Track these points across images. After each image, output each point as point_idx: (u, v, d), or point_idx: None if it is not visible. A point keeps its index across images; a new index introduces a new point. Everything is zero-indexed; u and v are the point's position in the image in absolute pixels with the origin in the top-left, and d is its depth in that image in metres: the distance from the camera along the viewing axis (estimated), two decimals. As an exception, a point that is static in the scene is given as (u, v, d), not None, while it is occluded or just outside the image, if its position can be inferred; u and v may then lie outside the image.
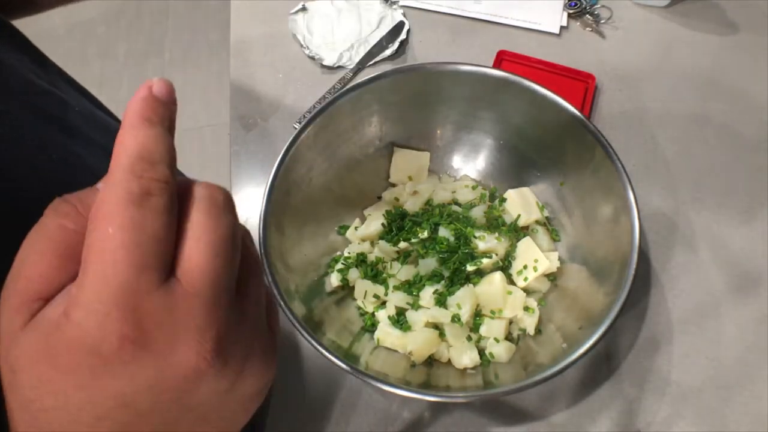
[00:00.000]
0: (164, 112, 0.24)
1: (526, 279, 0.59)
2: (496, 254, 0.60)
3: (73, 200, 0.24)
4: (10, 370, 0.23)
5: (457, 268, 0.59)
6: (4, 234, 0.35)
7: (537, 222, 0.63)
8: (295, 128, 0.60)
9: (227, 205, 0.24)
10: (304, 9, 0.80)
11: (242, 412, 0.26)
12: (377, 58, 0.77)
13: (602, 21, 0.80)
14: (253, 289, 0.26)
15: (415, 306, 0.58)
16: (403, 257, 0.61)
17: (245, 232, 0.26)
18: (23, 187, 0.37)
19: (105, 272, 0.21)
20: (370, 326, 0.59)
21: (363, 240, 0.63)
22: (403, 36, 0.78)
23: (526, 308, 0.59)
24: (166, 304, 0.22)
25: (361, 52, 0.77)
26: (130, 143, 0.23)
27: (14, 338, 0.22)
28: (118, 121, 0.54)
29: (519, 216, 0.62)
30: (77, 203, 0.23)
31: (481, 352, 0.57)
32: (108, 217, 0.21)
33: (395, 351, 0.57)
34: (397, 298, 0.58)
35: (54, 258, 0.23)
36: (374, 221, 0.63)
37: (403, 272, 0.60)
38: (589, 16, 0.80)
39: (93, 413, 0.22)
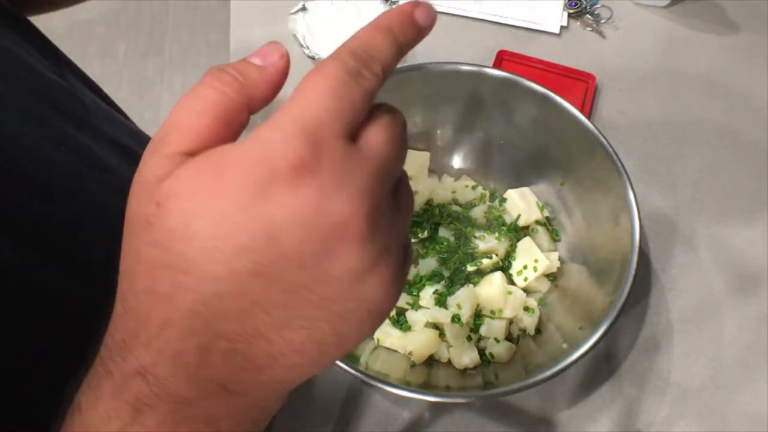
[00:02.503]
0: (408, 34, 0.26)
1: (526, 279, 0.59)
2: (496, 254, 0.60)
3: (233, 71, 0.25)
4: (155, 203, 0.22)
5: (457, 268, 0.59)
6: (21, 223, 0.36)
7: (537, 222, 0.63)
8: (295, 128, 0.60)
9: (403, 119, 0.26)
10: (304, 9, 0.80)
11: (357, 327, 0.24)
12: (377, 58, 0.77)
13: (602, 21, 0.80)
14: (404, 198, 0.26)
15: (415, 306, 0.58)
16: (403, 257, 0.61)
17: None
18: (35, 177, 0.37)
19: (305, 105, 0.22)
20: (370, 326, 0.59)
21: (363, 240, 0.63)
22: (403, 36, 0.78)
23: (526, 308, 0.58)
24: (343, 153, 0.22)
25: (361, 52, 0.77)
26: (364, 37, 0.25)
27: (165, 175, 0.23)
28: (125, 116, 0.54)
29: (519, 216, 0.62)
30: (238, 75, 0.25)
31: (481, 352, 0.57)
32: (323, 71, 0.23)
33: (395, 351, 0.57)
34: (397, 298, 0.58)
35: (212, 121, 0.23)
36: (374, 221, 0.63)
37: (403, 272, 0.60)
38: (589, 16, 0.80)
39: (239, 241, 0.22)
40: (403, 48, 0.25)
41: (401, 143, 0.25)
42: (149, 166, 0.23)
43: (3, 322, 0.33)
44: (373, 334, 0.26)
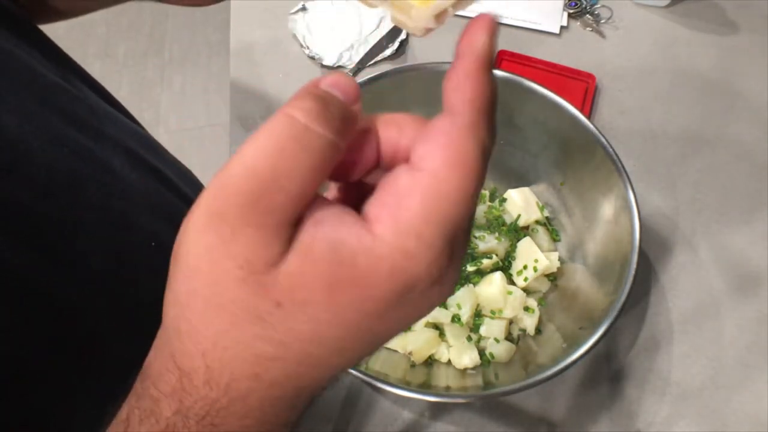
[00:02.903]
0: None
1: (526, 279, 0.59)
2: (496, 254, 0.60)
3: (336, 114, 0.21)
4: (273, 302, 0.20)
5: (457, 268, 0.59)
6: (22, 224, 0.35)
7: (537, 222, 0.63)
8: (295, 128, 0.60)
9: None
10: (304, 9, 0.80)
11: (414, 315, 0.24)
12: (377, 58, 0.77)
13: (602, 21, 0.80)
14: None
15: (415, 306, 0.58)
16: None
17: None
18: (37, 178, 0.37)
19: (447, 213, 0.21)
20: (370, 326, 0.59)
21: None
22: (403, 36, 0.78)
23: (526, 308, 0.58)
24: (450, 254, 0.22)
25: (361, 52, 0.77)
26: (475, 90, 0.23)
27: (276, 260, 0.20)
28: (130, 118, 0.54)
29: (519, 216, 0.62)
30: (342, 117, 0.22)
31: (481, 352, 0.57)
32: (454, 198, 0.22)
33: (395, 351, 0.57)
34: (397, 298, 0.58)
35: (321, 178, 0.20)
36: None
37: (403, 272, 0.60)
38: (589, 16, 0.80)
39: (365, 349, 0.22)
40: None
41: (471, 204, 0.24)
42: (247, 245, 0.20)
43: (2, 322, 0.33)
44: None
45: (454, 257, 0.22)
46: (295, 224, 0.21)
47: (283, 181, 0.20)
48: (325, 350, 0.22)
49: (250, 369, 0.21)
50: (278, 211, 0.20)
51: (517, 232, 0.62)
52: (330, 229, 0.21)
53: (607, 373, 0.60)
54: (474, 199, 0.22)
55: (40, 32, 0.48)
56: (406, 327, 0.23)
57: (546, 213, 0.64)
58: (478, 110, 0.23)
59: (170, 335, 0.22)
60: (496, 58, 0.76)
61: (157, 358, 0.23)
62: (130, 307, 0.41)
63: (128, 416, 0.24)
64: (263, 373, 0.21)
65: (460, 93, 0.23)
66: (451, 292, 0.23)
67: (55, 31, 0.50)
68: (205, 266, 0.21)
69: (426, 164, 0.21)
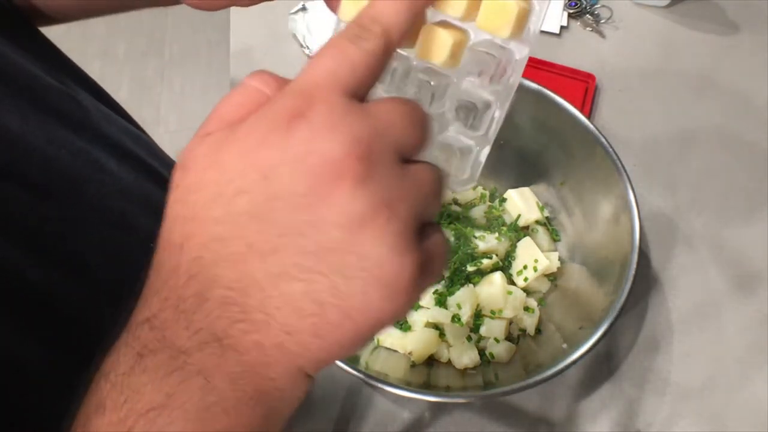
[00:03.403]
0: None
1: (526, 279, 0.59)
2: (496, 254, 0.60)
3: (275, 75, 0.26)
4: (181, 168, 0.25)
5: (457, 269, 0.59)
6: (20, 224, 0.36)
7: (537, 222, 0.63)
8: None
9: (419, 107, 0.26)
10: (304, 9, 0.80)
11: (362, 292, 0.23)
12: (377, 58, 0.77)
13: (602, 21, 0.80)
14: (421, 172, 0.25)
15: (415, 306, 0.58)
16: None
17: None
18: (36, 179, 0.37)
19: (306, 71, 0.24)
20: (370, 326, 0.59)
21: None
22: (403, 36, 0.78)
23: (526, 308, 0.59)
24: (340, 105, 0.23)
25: (361, 52, 0.77)
26: (369, 5, 0.26)
27: (196, 143, 0.25)
28: (127, 118, 0.54)
29: (519, 216, 0.62)
30: (278, 78, 0.26)
31: (481, 352, 0.57)
32: (327, 42, 0.25)
33: (395, 351, 0.57)
34: (397, 298, 0.58)
35: (246, 112, 0.25)
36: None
37: (403, 272, 0.59)
38: (589, 16, 0.80)
39: (237, 185, 0.23)
40: (411, 7, 0.26)
41: (412, 119, 0.25)
42: (187, 146, 0.25)
43: (0, 321, 0.33)
44: (391, 314, 0.23)
45: (316, 103, 0.23)
46: None
47: (217, 112, 0.26)
48: (205, 198, 0.24)
49: (164, 235, 0.25)
50: (208, 127, 0.26)
51: (517, 232, 0.62)
52: None
53: (607, 373, 0.60)
54: (332, 62, 0.24)
55: (38, 33, 0.48)
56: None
57: (546, 213, 0.64)
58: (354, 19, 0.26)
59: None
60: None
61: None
62: (129, 307, 0.41)
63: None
64: (169, 235, 0.25)
65: None
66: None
67: (55, 31, 0.50)
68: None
69: None
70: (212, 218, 0.23)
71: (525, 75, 0.60)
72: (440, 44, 0.28)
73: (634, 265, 0.52)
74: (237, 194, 0.23)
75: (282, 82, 0.26)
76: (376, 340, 0.57)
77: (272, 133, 0.23)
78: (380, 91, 0.31)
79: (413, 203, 0.24)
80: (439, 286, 0.58)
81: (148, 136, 0.56)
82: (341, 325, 0.23)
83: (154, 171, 0.49)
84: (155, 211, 0.45)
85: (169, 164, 0.55)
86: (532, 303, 0.59)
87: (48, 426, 0.35)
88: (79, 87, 0.49)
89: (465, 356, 0.56)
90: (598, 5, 0.81)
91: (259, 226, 0.23)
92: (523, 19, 0.29)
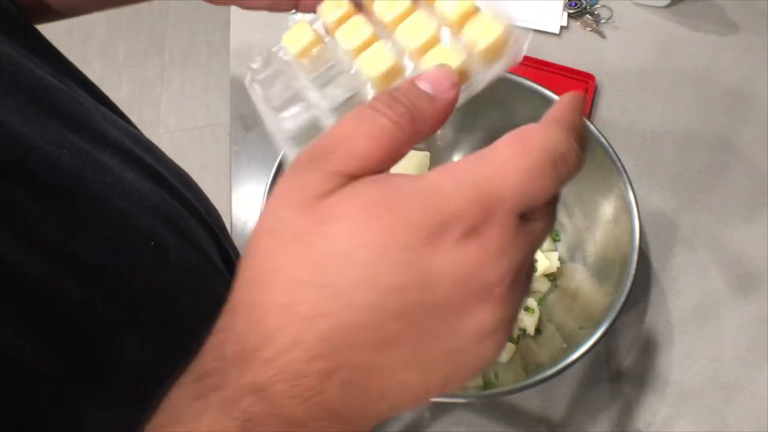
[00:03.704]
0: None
1: (526, 279, 0.59)
2: (496, 254, 0.60)
3: (406, 102, 0.25)
4: (316, 222, 0.23)
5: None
6: (21, 223, 0.36)
7: (537, 222, 0.63)
8: (295, 128, 0.60)
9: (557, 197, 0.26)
10: (304, 9, 0.80)
11: (461, 379, 0.25)
12: (377, 58, 0.77)
13: (602, 21, 0.80)
14: (541, 229, 0.25)
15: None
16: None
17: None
18: (38, 178, 0.37)
19: (495, 174, 0.23)
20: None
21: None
22: (403, 36, 0.78)
23: (526, 308, 0.59)
24: (513, 230, 0.23)
25: (361, 52, 0.77)
26: (579, 125, 0.25)
27: (327, 194, 0.23)
28: (125, 119, 0.54)
29: (519, 216, 0.62)
30: (411, 107, 0.25)
31: (481, 352, 0.57)
32: (529, 144, 0.24)
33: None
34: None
35: (378, 150, 0.24)
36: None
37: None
38: (589, 16, 0.80)
39: (395, 281, 0.22)
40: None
41: (554, 221, 0.26)
42: (309, 179, 0.24)
43: (1, 320, 0.33)
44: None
45: (494, 224, 0.23)
46: (353, 179, 0.24)
47: (343, 143, 0.24)
48: (354, 281, 0.22)
49: (285, 296, 0.23)
50: (336, 162, 0.24)
51: (517, 232, 0.62)
52: (381, 176, 0.24)
53: (607, 373, 0.60)
54: (527, 185, 0.23)
55: (37, 33, 0.48)
56: (439, 289, 0.23)
57: (546, 213, 0.64)
58: (560, 119, 0.25)
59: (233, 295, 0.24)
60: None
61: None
62: (129, 307, 0.41)
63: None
64: (297, 303, 0.23)
65: (552, 109, 0.26)
66: (511, 296, 0.23)
67: (55, 31, 0.50)
68: (273, 198, 0.24)
69: (494, 144, 0.24)
70: (356, 305, 0.22)
71: (525, 75, 0.60)
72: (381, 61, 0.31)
73: (634, 265, 0.52)
74: (391, 291, 0.22)
75: (417, 113, 0.25)
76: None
77: (443, 241, 0.22)
78: (304, 80, 0.34)
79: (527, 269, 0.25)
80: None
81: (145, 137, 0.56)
82: (427, 397, 0.25)
83: (154, 171, 0.50)
84: (156, 211, 0.45)
85: (168, 164, 0.55)
86: (532, 303, 0.59)
87: (49, 428, 0.35)
88: (80, 88, 0.49)
89: (465, 356, 0.56)
90: (598, 5, 0.81)
91: (402, 326, 0.23)
92: (463, 74, 0.30)
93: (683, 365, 0.60)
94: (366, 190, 0.23)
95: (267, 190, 0.55)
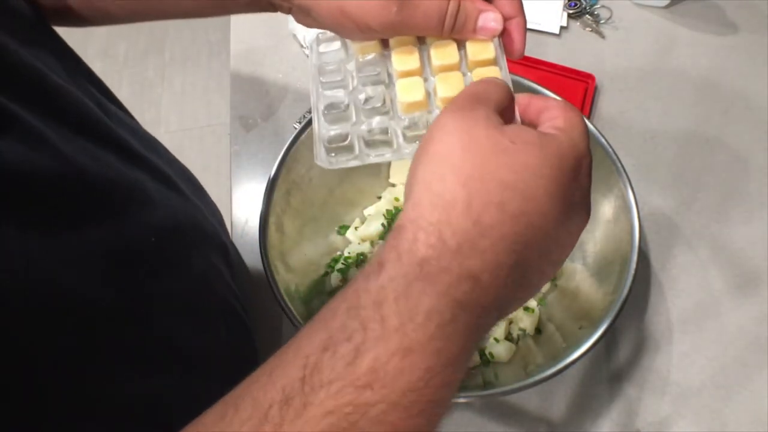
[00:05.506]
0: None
1: (526, 279, 0.59)
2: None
3: (531, 100, 0.37)
4: (508, 140, 0.30)
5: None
6: (45, 231, 0.36)
7: (537, 222, 0.63)
8: (295, 128, 0.60)
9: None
10: (304, 9, 0.80)
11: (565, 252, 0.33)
12: (377, 58, 0.77)
13: (602, 21, 0.80)
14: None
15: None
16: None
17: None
18: (52, 181, 0.38)
19: (581, 128, 0.35)
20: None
21: (363, 240, 0.63)
22: (403, 36, 0.78)
23: (526, 308, 0.59)
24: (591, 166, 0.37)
25: (361, 52, 0.77)
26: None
27: (502, 123, 0.31)
28: (131, 117, 0.54)
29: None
30: (532, 100, 0.37)
31: (481, 352, 0.57)
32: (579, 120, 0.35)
33: (395, 351, 0.57)
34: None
35: (506, 101, 0.35)
36: (374, 221, 0.63)
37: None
38: (589, 16, 0.80)
39: (558, 188, 0.30)
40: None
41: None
42: (484, 112, 0.31)
43: (1, 319, 0.34)
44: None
45: (587, 156, 0.35)
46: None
47: (486, 94, 0.33)
48: (543, 187, 0.29)
49: (498, 196, 0.29)
50: (491, 103, 0.33)
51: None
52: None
53: (607, 373, 0.60)
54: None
55: (53, 32, 0.48)
56: (575, 211, 0.33)
57: (546, 213, 0.64)
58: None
59: (409, 204, 0.30)
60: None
61: (392, 236, 0.30)
62: (129, 301, 0.41)
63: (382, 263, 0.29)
64: (507, 202, 0.29)
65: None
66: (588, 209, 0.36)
67: (56, 31, 0.50)
68: (458, 125, 0.30)
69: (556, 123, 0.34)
70: (542, 210, 0.29)
71: (525, 75, 0.60)
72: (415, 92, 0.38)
73: (633, 265, 0.52)
74: (563, 203, 0.31)
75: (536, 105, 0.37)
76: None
77: (579, 170, 0.33)
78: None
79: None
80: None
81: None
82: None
83: (157, 169, 0.50)
84: (158, 207, 0.46)
85: (171, 161, 0.55)
86: (532, 303, 0.59)
87: (50, 427, 0.35)
88: (90, 86, 0.49)
89: (465, 356, 0.56)
90: (598, 5, 0.81)
91: (563, 232, 0.32)
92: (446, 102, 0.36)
93: (683, 365, 0.60)
94: (530, 132, 0.31)
95: (267, 190, 0.55)
